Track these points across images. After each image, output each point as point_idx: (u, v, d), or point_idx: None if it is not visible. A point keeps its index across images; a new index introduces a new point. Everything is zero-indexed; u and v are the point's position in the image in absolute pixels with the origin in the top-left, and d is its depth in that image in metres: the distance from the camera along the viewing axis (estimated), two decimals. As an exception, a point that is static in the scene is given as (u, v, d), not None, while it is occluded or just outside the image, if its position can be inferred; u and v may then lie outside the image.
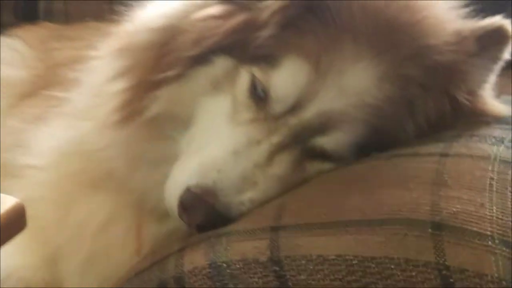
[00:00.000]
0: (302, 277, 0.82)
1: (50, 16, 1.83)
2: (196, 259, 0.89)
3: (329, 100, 0.97)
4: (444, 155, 0.91)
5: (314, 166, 1.01)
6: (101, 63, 1.17)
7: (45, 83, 1.47)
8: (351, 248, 0.81)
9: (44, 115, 1.32)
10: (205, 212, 0.94)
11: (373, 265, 0.79)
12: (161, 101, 1.05)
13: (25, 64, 1.57)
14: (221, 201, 0.95)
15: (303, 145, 1.00)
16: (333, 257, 0.81)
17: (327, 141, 0.99)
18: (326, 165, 1.01)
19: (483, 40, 1.00)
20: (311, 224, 0.87)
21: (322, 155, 1.00)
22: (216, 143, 1.00)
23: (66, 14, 1.82)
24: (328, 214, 0.87)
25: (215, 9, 1.05)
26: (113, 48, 1.12)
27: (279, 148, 0.99)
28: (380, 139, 0.99)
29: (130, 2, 1.16)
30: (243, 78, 1.02)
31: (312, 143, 0.99)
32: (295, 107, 0.98)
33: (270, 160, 0.98)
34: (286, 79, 0.98)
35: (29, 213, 1.02)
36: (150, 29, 1.09)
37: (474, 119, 1.02)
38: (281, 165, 0.99)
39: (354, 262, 0.80)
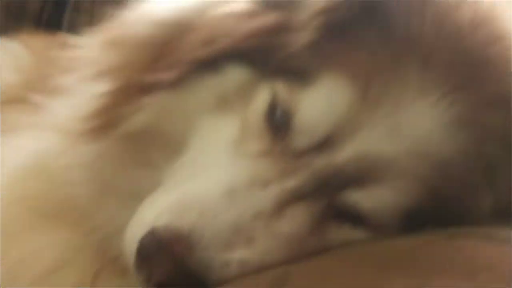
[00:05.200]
0: None
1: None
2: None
3: (376, 140, 0.68)
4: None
5: (340, 232, 0.72)
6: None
7: (34, 89, 1.21)
8: None
9: (21, 124, 1.06)
10: (172, 266, 0.64)
11: None
12: (148, 111, 0.78)
13: (20, 68, 1.33)
14: (196, 256, 0.65)
15: (329, 198, 0.70)
16: None
17: (364, 198, 0.69)
18: (357, 234, 0.71)
19: None
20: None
21: (354, 217, 0.70)
22: (207, 176, 0.70)
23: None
24: None
25: (237, 6, 0.77)
26: (102, 40, 0.84)
27: (294, 197, 0.69)
28: (439, 209, 0.69)
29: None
30: (261, 96, 0.74)
31: (342, 198, 0.70)
32: (325, 143, 0.69)
33: (278, 211, 0.69)
34: (320, 102, 0.70)
35: None
36: (154, 21, 0.83)
37: None
38: (293, 221, 0.69)
39: None
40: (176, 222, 0.67)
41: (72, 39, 1.36)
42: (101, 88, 0.82)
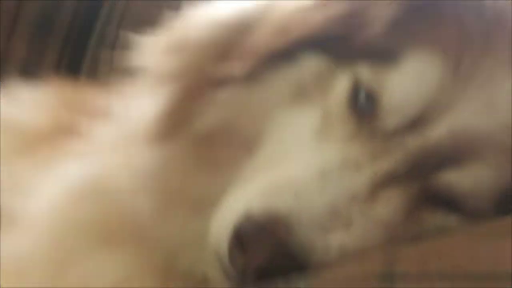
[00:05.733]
0: None
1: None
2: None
3: (470, 115, 0.66)
4: None
5: (435, 218, 0.68)
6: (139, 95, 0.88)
7: (64, 129, 1.18)
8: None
9: (58, 158, 1.02)
10: (272, 249, 0.60)
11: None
12: (220, 108, 0.75)
13: (46, 110, 1.30)
14: (296, 238, 0.61)
15: (423, 180, 0.66)
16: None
17: (460, 177, 0.66)
18: (452, 220, 0.68)
19: None
20: (447, 274, 0.52)
21: (449, 201, 0.66)
22: (296, 161, 0.67)
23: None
24: (476, 262, 0.53)
25: (306, 1, 0.76)
26: (163, 46, 0.82)
27: (388, 180, 0.66)
28: None
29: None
30: (342, 83, 0.72)
31: (437, 179, 0.67)
32: (417, 122, 0.67)
33: (373, 194, 0.65)
34: (409, 80, 0.67)
35: (20, 269, 0.85)
36: (215, 24, 0.81)
37: None
38: (389, 205, 0.66)
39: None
40: (272, 205, 0.63)
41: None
42: (168, 91, 0.79)
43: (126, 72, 0.92)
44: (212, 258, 0.72)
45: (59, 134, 1.17)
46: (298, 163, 0.67)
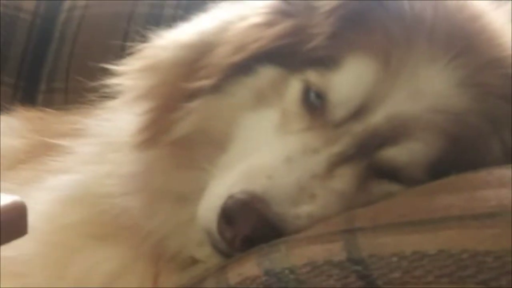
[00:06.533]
0: (396, 275, 0.62)
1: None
2: (245, 270, 0.70)
3: (401, 102, 0.81)
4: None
5: (381, 187, 0.83)
6: (118, 111, 1.01)
7: (40, 152, 1.29)
8: (456, 243, 0.64)
9: (41, 177, 1.13)
10: (254, 221, 0.75)
11: (491, 260, 0.60)
12: (193, 116, 0.89)
13: (20, 135, 1.40)
14: (273, 211, 0.76)
15: (369, 158, 0.82)
16: (434, 251, 0.62)
17: (398, 153, 0.81)
18: (395, 187, 0.83)
19: None
20: (395, 224, 0.68)
21: (390, 173, 0.82)
22: (265, 151, 0.82)
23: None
24: (416, 213, 0.69)
25: (257, 18, 0.91)
26: (136, 68, 0.96)
27: (341, 160, 0.81)
28: (461, 156, 0.81)
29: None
30: (293, 87, 0.87)
31: (380, 156, 0.82)
32: (359, 112, 0.82)
33: (330, 172, 0.80)
34: (349, 78, 0.83)
35: (20, 271, 0.94)
36: (181, 45, 0.95)
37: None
38: (343, 180, 0.81)
39: (463, 256, 0.61)
40: (250, 187, 0.77)
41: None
42: (145, 106, 0.93)
43: (100, 95, 1.05)
44: (198, 239, 0.86)
45: (35, 156, 1.27)
46: (266, 153, 0.82)
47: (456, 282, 0.60)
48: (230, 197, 0.77)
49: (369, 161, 0.83)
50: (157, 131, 0.91)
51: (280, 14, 0.91)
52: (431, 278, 0.61)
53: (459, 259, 0.62)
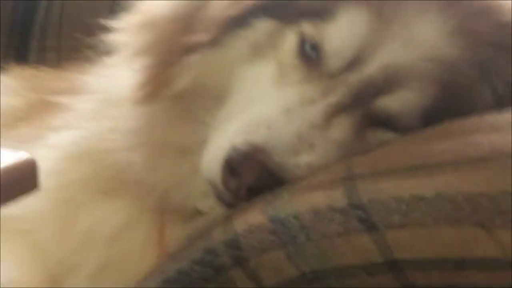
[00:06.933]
0: (395, 217, 0.65)
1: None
2: (251, 218, 0.73)
3: (394, 52, 0.84)
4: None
5: (377, 135, 0.86)
6: (116, 68, 1.02)
7: (39, 110, 1.31)
8: (452, 186, 0.67)
9: (42, 134, 1.15)
10: (257, 171, 0.77)
11: (485, 201, 0.63)
12: (192, 70, 0.91)
13: (17, 93, 1.41)
14: (274, 161, 0.78)
15: (364, 107, 0.85)
16: (431, 195, 0.66)
17: (392, 101, 0.84)
18: (390, 135, 0.86)
19: None
20: (393, 169, 0.71)
21: (385, 121, 0.85)
22: (264, 103, 0.84)
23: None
24: (412, 159, 0.72)
25: None
26: (133, 25, 0.97)
27: (338, 110, 0.84)
28: (453, 103, 0.84)
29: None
30: (289, 39, 0.89)
31: (375, 105, 0.85)
32: (354, 62, 0.84)
33: (327, 122, 0.83)
34: (344, 29, 0.85)
35: (28, 228, 0.96)
36: (176, 1, 0.96)
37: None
38: (341, 129, 0.84)
39: (459, 198, 0.65)
40: (251, 138, 0.80)
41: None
42: (143, 62, 0.94)
43: (95, 52, 1.07)
44: (201, 191, 0.89)
45: (34, 114, 1.29)
46: (265, 105, 0.84)
47: (452, 224, 0.63)
48: (233, 148, 0.79)
49: (365, 110, 0.85)
50: (156, 86, 0.93)
51: None
52: (429, 220, 0.64)
53: (455, 201, 0.65)
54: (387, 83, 0.84)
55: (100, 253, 0.95)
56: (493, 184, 0.65)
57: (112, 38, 0.99)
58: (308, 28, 0.87)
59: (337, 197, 0.69)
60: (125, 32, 0.98)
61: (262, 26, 0.90)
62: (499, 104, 0.86)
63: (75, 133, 1.04)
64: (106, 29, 1.00)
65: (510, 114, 0.78)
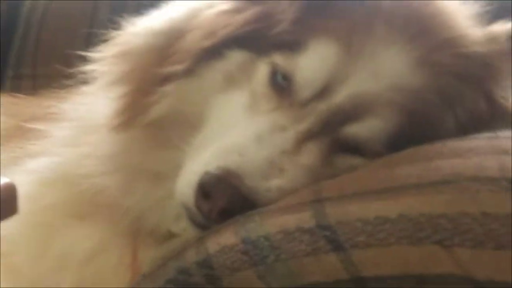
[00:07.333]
0: (361, 238, 0.69)
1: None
2: (223, 240, 0.76)
3: (362, 82, 0.88)
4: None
5: (345, 161, 0.90)
6: (93, 96, 1.06)
7: (16, 136, 1.33)
8: (415, 208, 0.70)
9: (19, 160, 1.17)
10: (230, 195, 0.81)
11: (445, 222, 0.67)
12: (167, 99, 0.95)
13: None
14: (246, 185, 0.82)
15: (333, 134, 0.89)
16: (395, 216, 0.69)
17: (360, 129, 0.88)
18: (358, 160, 0.89)
19: None
20: (359, 193, 0.75)
21: (353, 147, 0.89)
22: (237, 131, 0.88)
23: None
24: (378, 183, 0.76)
25: (226, 5, 0.97)
26: (110, 54, 1.01)
27: (307, 137, 0.88)
28: (418, 130, 0.88)
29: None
30: (261, 69, 0.93)
31: (343, 132, 0.89)
32: (323, 92, 0.88)
33: (297, 148, 0.87)
34: (313, 61, 0.89)
35: (4, 250, 0.97)
36: (153, 32, 1.00)
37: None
38: (310, 155, 0.87)
39: (421, 219, 0.69)
40: (224, 163, 0.83)
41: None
42: (120, 90, 0.98)
43: (70, 80, 1.10)
44: (175, 214, 0.92)
45: (11, 140, 1.31)
46: (238, 132, 0.88)
47: (414, 243, 0.67)
48: (206, 173, 0.83)
49: (334, 137, 0.89)
50: (132, 114, 0.96)
51: (248, 1, 0.96)
52: (393, 239, 0.68)
53: (417, 222, 0.68)
54: (355, 111, 0.88)
55: (74, 276, 0.97)
56: (452, 205, 0.69)
57: (88, 67, 1.02)
58: (279, 59, 0.91)
59: (306, 218, 0.73)
60: (102, 62, 1.02)
61: (235, 57, 0.94)
62: (461, 131, 0.90)
63: (51, 159, 1.07)
64: (82, 58, 1.03)
65: (471, 141, 0.82)
